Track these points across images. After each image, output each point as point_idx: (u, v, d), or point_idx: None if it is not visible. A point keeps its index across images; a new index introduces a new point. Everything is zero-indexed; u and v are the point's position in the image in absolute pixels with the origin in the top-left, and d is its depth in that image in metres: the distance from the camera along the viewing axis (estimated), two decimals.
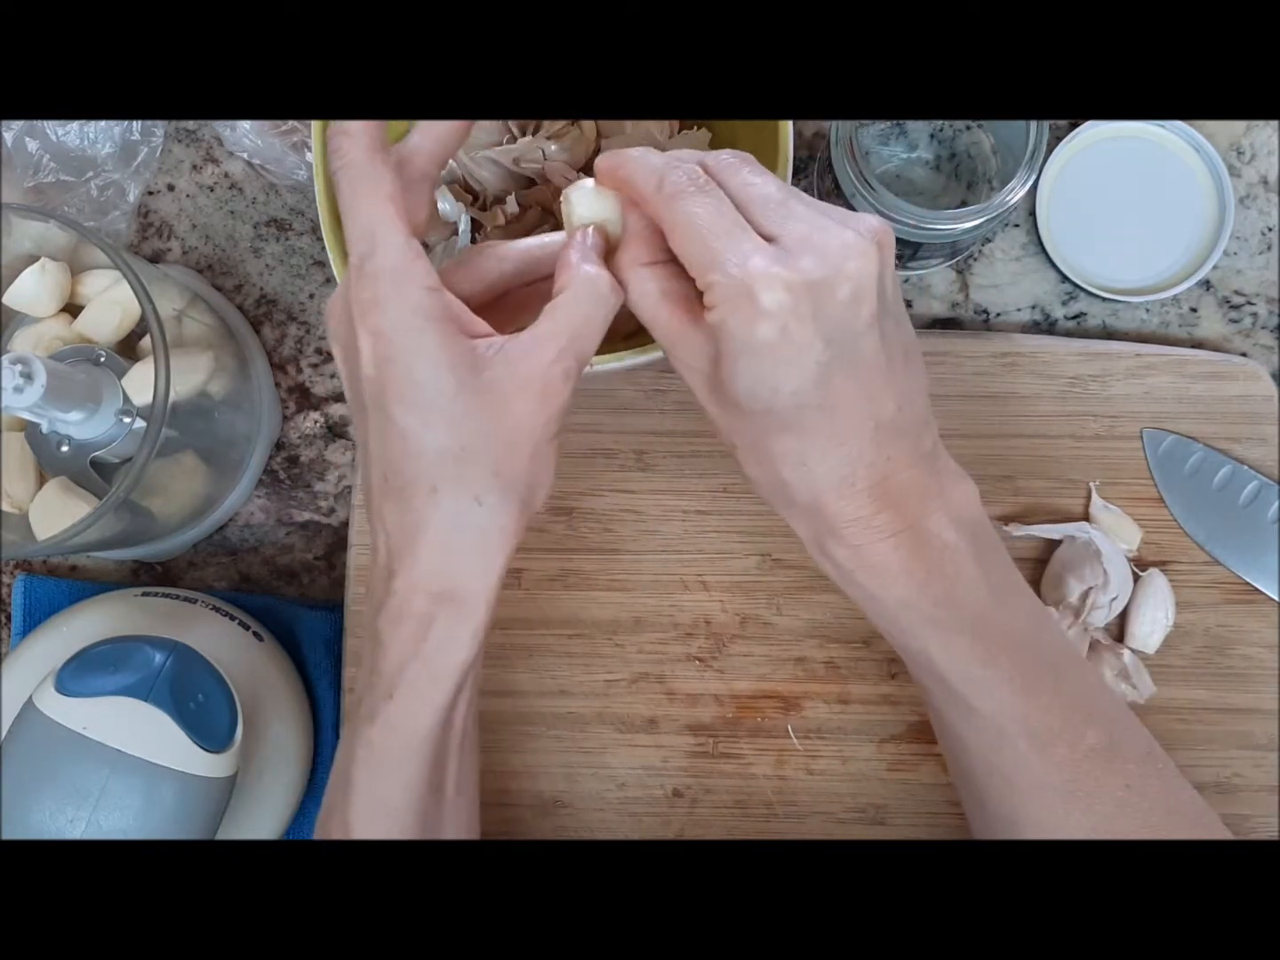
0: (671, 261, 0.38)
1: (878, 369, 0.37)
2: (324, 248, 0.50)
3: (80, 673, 0.45)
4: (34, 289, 0.53)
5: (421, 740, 0.39)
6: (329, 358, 0.59)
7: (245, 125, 0.57)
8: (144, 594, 0.54)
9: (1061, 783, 0.39)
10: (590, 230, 0.39)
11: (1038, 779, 0.40)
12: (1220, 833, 0.42)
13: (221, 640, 0.52)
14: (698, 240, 0.36)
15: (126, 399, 0.52)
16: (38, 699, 0.44)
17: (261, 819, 0.52)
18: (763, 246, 0.36)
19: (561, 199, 0.41)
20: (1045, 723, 0.39)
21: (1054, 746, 0.39)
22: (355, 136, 0.37)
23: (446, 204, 0.54)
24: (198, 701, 0.46)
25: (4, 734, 0.46)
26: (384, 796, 0.39)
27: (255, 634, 0.54)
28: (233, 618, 0.54)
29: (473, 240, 0.54)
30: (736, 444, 0.40)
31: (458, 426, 0.37)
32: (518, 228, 0.54)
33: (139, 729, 0.44)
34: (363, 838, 0.39)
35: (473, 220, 0.54)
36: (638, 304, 0.39)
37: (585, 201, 0.40)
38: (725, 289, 0.35)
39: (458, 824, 0.42)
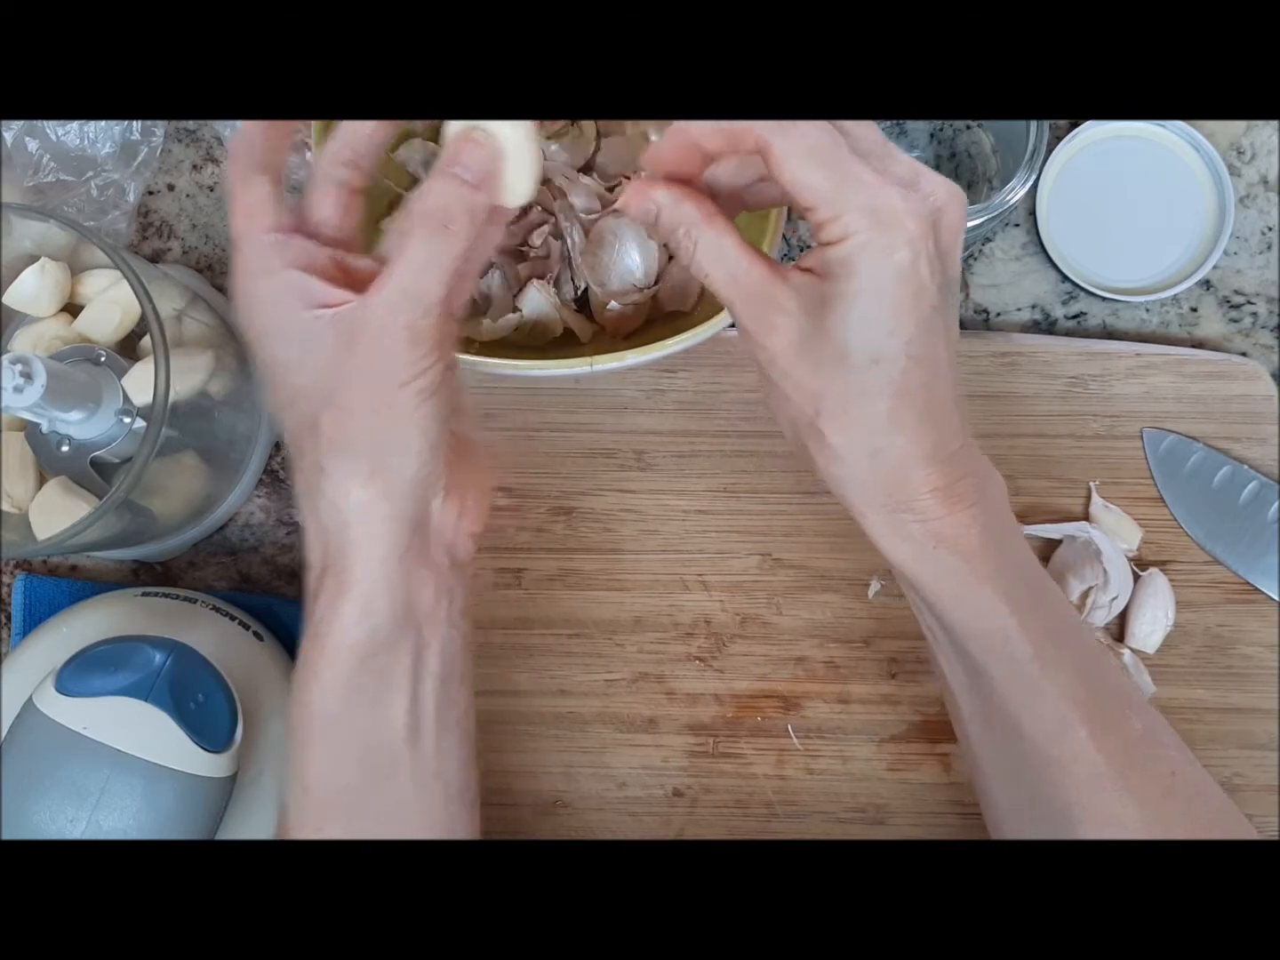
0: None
1: (955, 330, 0.37)
2: None
3: (80, 673, 0.45)
4: (34, 289, 0.53)
5: (329, 737, 0.39)
6: None
7: None
8: (144, 594, 0.54)
9: (1117, 771, 0.39)
10: (462, 143, 0.37)
11: (1096, 768, 0.39)
12: (1243, 822, 0.42)
13: (221, 640, 0.52)
14: (825, 166, 0.34)
15: (126, 399, 0.52)
16: (38, 699, 0.44)
17: (261, 819, 0.52)
18: (888, 179, 0.34)
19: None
20: (1102, 708, 0.39)
21: (1109, 734, 0.39)
22: (229, 160, 0.39)
23: None
24: (198, 701, 0.46)
25: (4, 734, 0.46)
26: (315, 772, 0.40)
27: (255, 634, 0.54)
28: (233, 618, 0.54)
29: None
30: (824, 405, 0.36)
31: (301, 399, 0.37)
32: (518, 228, 0.54)
33: (139, 729, 0.44)
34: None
35: None
36: (715, 259, 0.37)
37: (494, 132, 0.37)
38: (861, 217, 0.34)
39: (434, 788, 0.41)
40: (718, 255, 0.36)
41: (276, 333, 0.37)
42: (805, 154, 0.34)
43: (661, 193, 0.37)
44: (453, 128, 0.37)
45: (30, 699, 0.45)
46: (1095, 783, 0.39)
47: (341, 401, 0.36)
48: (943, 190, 0.35)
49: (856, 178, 0.34)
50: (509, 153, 0.37)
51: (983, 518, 0.38)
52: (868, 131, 0.36)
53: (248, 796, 0.51)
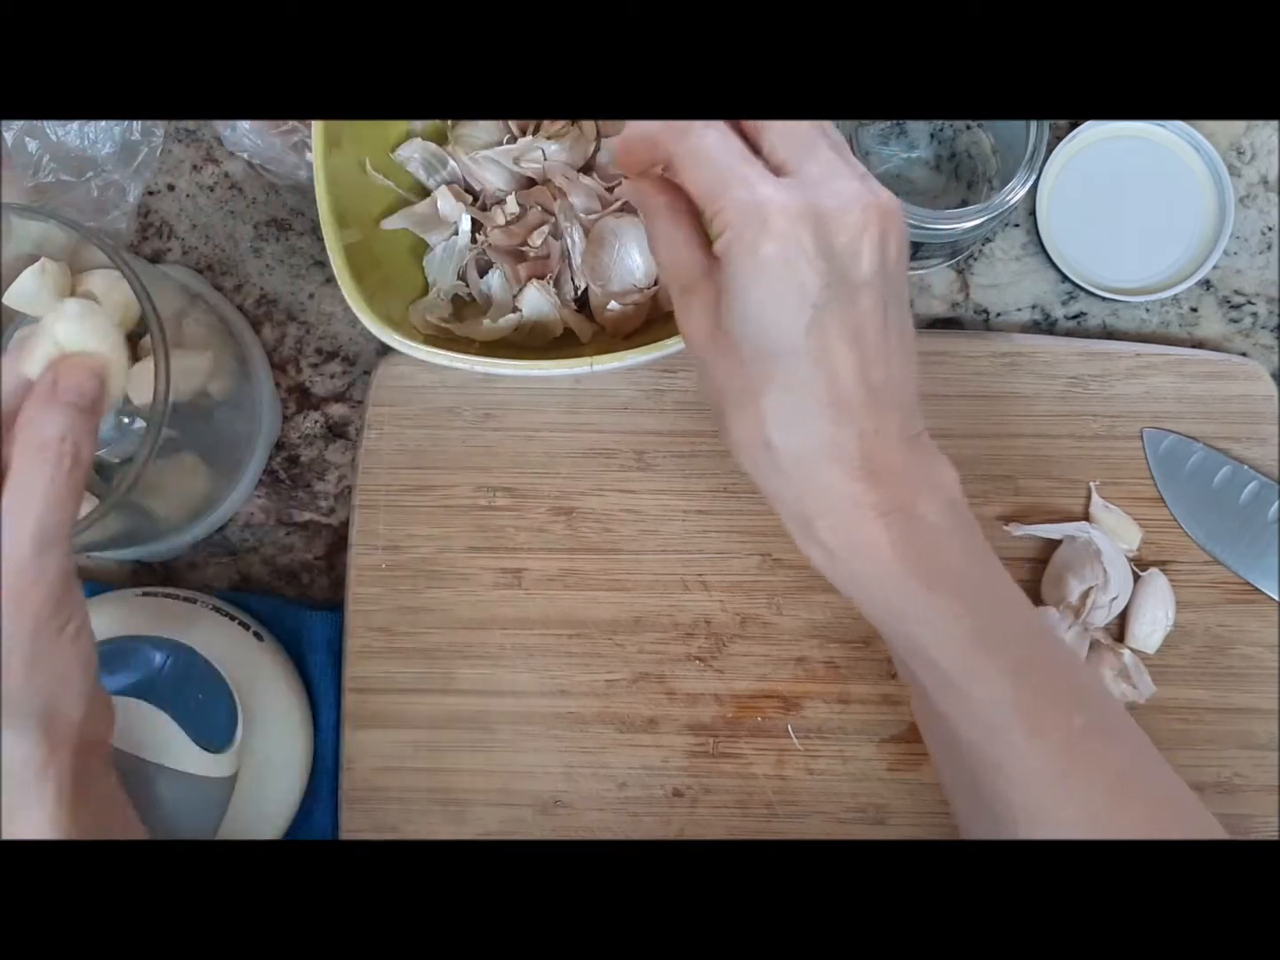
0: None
1: (872, 330, 0.37)
2: (324, 248, 0.50)
3: None
4: (34, 289, 0.52)
5: None
6: (329, 357, 0.59)
7: (245, 125, 0.57)
8: (144, 594, 0.54)
9: (1053, 771, 0.39)
10: (65, 368, 0.36)
11: (1029, 768, 0.39)
12: (1215, 829, 0.41)
13: (222, 640, 0.52)
14: (706, 167, 0.36)
15: (126, 399, 0.52)
16: None
17: (261, 819, 0.52)
18: (770, 177, 0.36)
19: (40, 327, 0.36)
20: (1035, 706, 0.39)
21: (1045, 733, 0.39)
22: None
23: (447, 204, 0.54)
24: (198, 701, 0.46)
25: None
26: None
27: (255, 634, 0.54)
28: (233, 618, 0.54)
29: (473, 240, 0.54)
30: (726, 399, 0.38)
31: None
32: (518, 228, 0.54)
33: (139, 729, 0.44)
34: None
35: (473, 220, 0.54)
36: (664, 245, 0.39)
37: (64, 329, 0.36)
38: (733, 213, 0.35)
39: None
40: (664, 241, 0.39)
41: None
42: (691, 154, 0.36)
43: (645, 184, 0.40)
44: (38, 353, 0.36)
45: None
46: (1030, 782, 0.39)
47: None
48: (846, 190, 0.36)
49: (739, 177, 0.36)
50: (110, 364, 0.37)
51: (901, 526, 0.37)
52: (794, 129, 0.37)
53: (248, 796, 0.51)
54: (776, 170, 0.36)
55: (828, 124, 0.38)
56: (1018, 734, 0.38)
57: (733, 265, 0.36)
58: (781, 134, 0.37)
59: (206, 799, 0.45)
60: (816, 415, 0.37)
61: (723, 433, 0.39)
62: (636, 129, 0.38)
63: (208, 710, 0.46)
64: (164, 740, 0.44)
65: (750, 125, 0.37)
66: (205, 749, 0.45)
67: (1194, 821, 0.41)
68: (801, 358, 0.36)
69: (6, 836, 0.36)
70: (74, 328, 0.36)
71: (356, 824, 0.54)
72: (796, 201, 0.35)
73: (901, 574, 0.38)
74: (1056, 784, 0.39)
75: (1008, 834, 0.40)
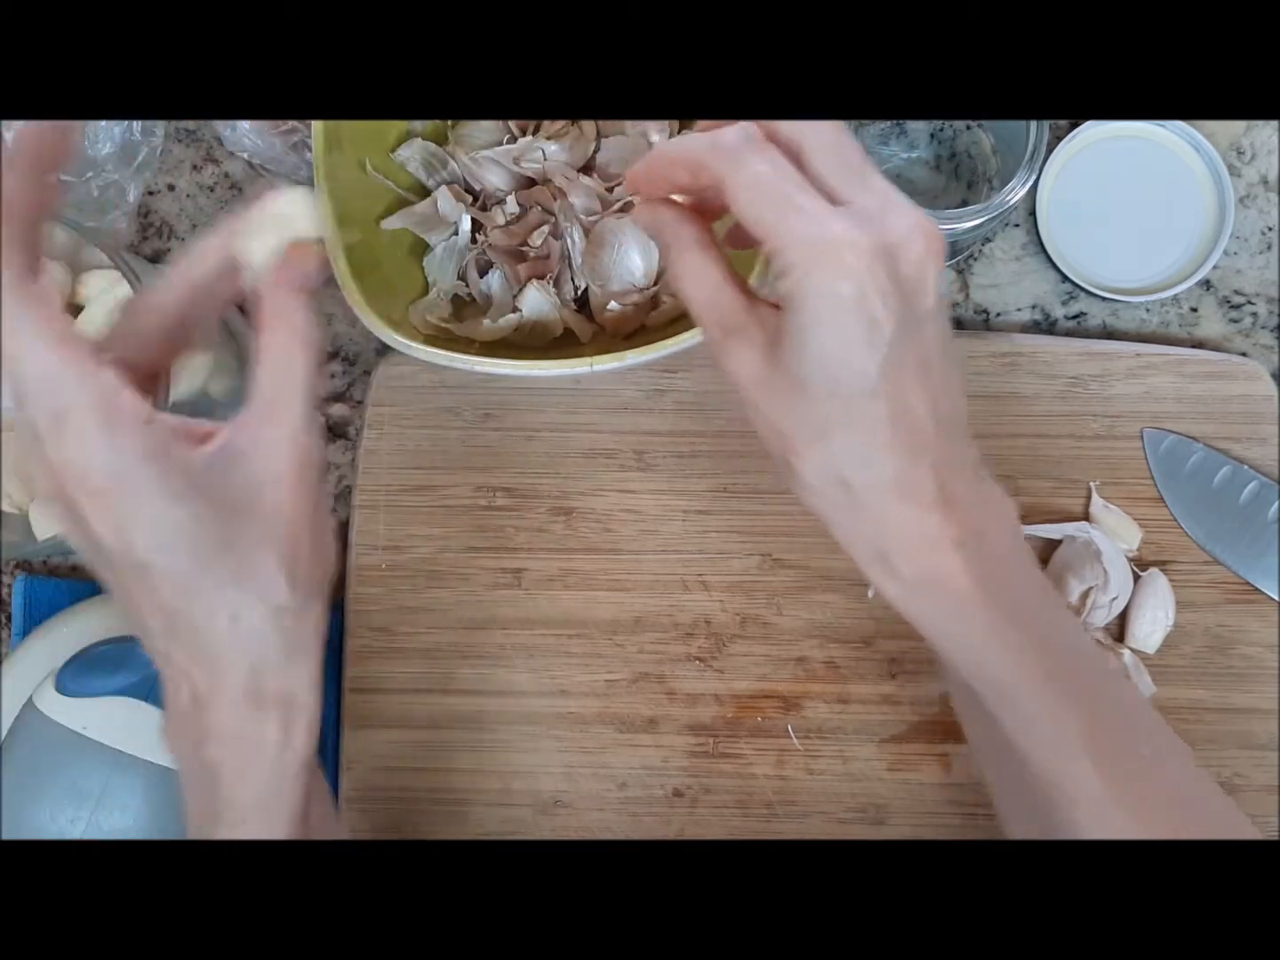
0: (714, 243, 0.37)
1: (937, 361, 0.36)
2: (323, 248, 0.50)
3: (80, 673, 0.45)
4: None
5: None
6: (329, 357, 0.59)
7: (245, 125, 0.57)
8: None
9: (1125, 801, 0.38)
10: (286, 257, 0.37)
11: (1100, 799, 0.38)
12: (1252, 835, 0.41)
13: None
14: (765, 198, 0.34)
15: None
16: (38, 699, 0.44)
17: None
18: (833, 210, 0.34)
19: (241, 228, 0.37)
20: (1106, 736, 0.38)
21: (1114, 763, 0.38)
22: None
23: (447, 204, 0.54)
24: None
25: (4, 734, 0.46)
26: None
27: None
28: None
29: (473, 240, 0.54)
30: (792, 440, 0.37)
31: (225, 550, 0.34)
32: (518, 228, 0.54)
33: (139, 729, 0.44)
34: None
35: (473, 220, 0.54)
36: (697, 282, 0.37)
37: (275, 222, 0.37)
38: (803, 250, 0.34)
39: None
40: (698, 280, 0.37)
41: (146, 503, 0.33)
42: (749, 187, 0.35)
43: (664, 211, 0.38)
44: (270, 240, 0.37)
45: (30, 699, 0.45)
46: (1099, 813, 0.38)
47: (275, 533, 0.35)
48: (905, 222, 0.35)
49: (799, 209, 0.34)
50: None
51: (976, 557, 0.37)
52: (842, 154, 0.35)
53: None
54: (828, 199, 0.35)
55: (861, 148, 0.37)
56: (1089, 764, 0.38)
57: (803, 305, 0.34)
58: (831, 159, 0.35)
59: None
60: (892, 451, 0.36)
61: (787, 473, 0.37)
62: (671, 150, 0.37)
63: None
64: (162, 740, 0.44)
65: (793, 146, 0.36)
66: None
67: (1241, 834, 0.41)
68: (877, 396, 0.35)
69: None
70: (307, 215, 0.37)
71: (356, 824, 0.54)
72: (868, 237, 0.34)
73: (980, 605, 0.37)
74: (1128, 815, 0.38)
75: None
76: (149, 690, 0.44)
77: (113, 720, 0.44)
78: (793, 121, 0.36)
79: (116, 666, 0.45)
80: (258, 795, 0.36)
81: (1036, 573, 0.40)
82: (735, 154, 0.35)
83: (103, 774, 0.43)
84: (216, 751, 0.36)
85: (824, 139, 0.36)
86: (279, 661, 0.36)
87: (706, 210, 0.39)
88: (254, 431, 0.36)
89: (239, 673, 0.35)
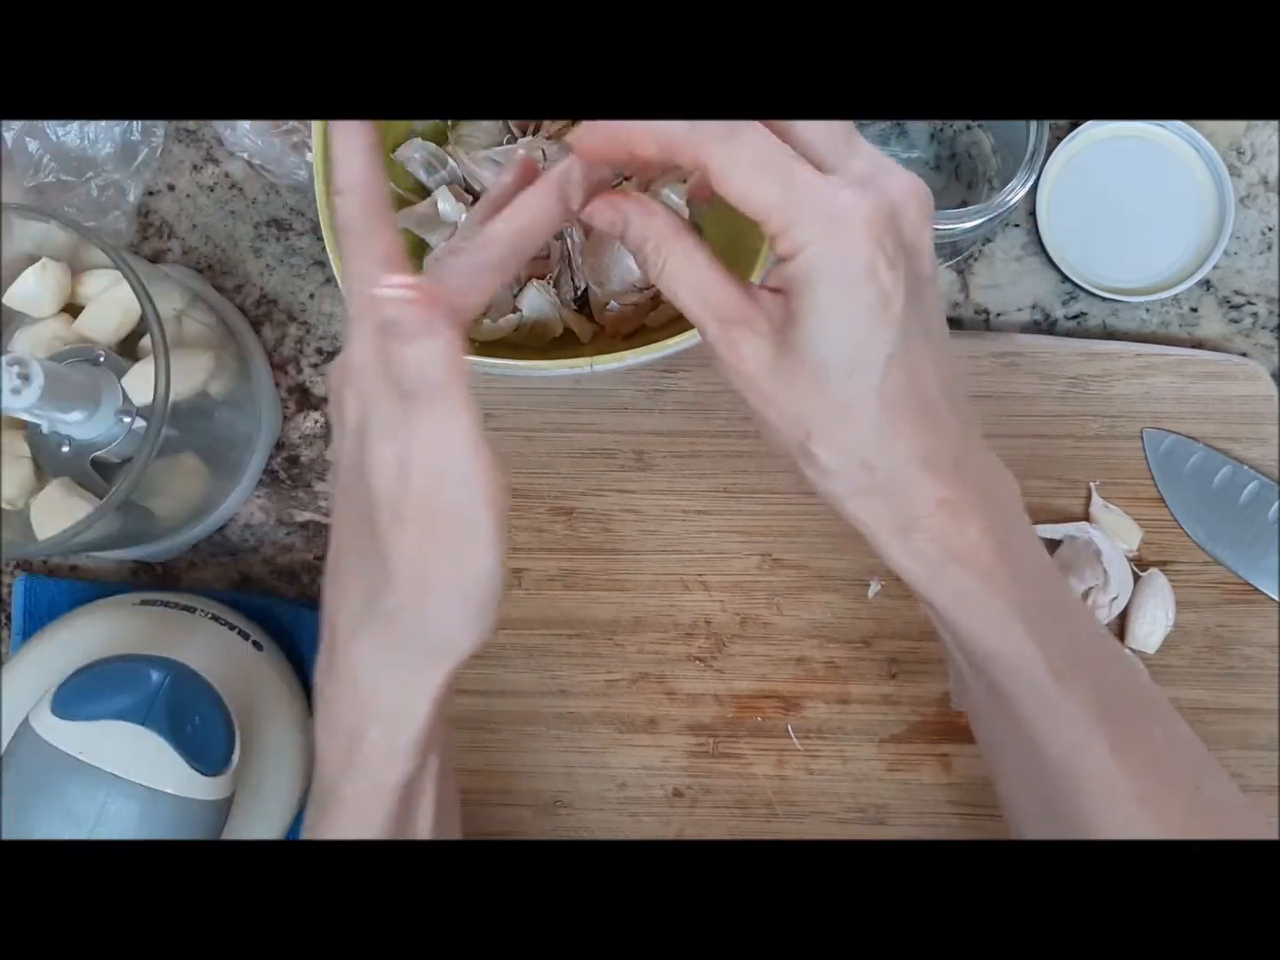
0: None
1: (936, 325, 0.35)
2: (324, 248, 0.50)
3: (76, 695, 0.44)
4: (34, 289, 0.53)
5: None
6: (329, 357, 0.59)
7: (245, 125, 0.57)
8: (142, 602, 0.54)
9: (1134, 789, 0.37)
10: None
11: (1116, 787, 0.37)
12: (1268, 829, 0.41)
13: (220, 652, 0.52)
14: (771, 176, 0.32)
15: (126, 399, 0.52)
16: (34, 721, 0.44)
17: (260, 825, 0.52)
18: (833, 180, 0.33)
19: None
20: (1123, 724, 0.37)
21: (1131, 750, 0.37)
22: (347, 194, 0.34)
23: (447, 204, 0.54)
24: (194, 724, 0.45)
25: (2, 749, 0.46)
26: None
27: (255, 643, 0.54)
28: (232, 626, 0.53)
29: None
30: (810, 427, 0.35)
31: (472, 562, 0.34)
32: None
33: (135, 753, 0.44)
34: None
35: None
36: (684, 278, 0.35)
37: None
38: (814, 226, 0.32)
39: None
40: (687, 274, 0.35)
41: (456, 483, 0.33)
42: (751, 164, 0.33)
43: (630, 205, 0.36)
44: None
45: (27, 720, 0.44)
46: (1114, 802, 0.37)
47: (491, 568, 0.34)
48: (901, 184, 0.33)
49: (806, 184, 0.32)
50: None
51: (995, 529, 0.36)
52: (817, 129, 0.34)
53: (247, 804, 0.51)
54: (819, 169, 0.33)
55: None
56: (1103, 749, 0.37)
57: (819, 283, 0.33)
58: (816, 127, 0.34)
59: (203, 822, 0.45)
60: (912, 424, 0.35)
61: (804, 460, 0.36)
62: (638, 127, 0.34)
63: (204, 733, 0.45)
64: (160, 764, 0.44)
65: (774, 124, 0.34)
66: (201, 773, 0.44)
67: (1262, 834, 0.40)
68: (894, 368, 0.34)
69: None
70: None
71: None
72: (870, 204, 0.32)
73: (1001, 581, 0.36)
74: (1141, 804, 0.37)
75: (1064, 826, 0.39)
76: (145, 713, 0.44)
77: (109, 744, 0.43)
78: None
79: (114, 689, 0.45)
80: (340, 795, 0.36)
81: (1043, 550, 0.39)
82: (724, 132, 0.33)
83: (99, 798, 0.43)
84: (320, 729, 0.36)
85: (792, 124, 0.34)
86: (404, 667, 0.35)
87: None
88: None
89: (365, 664, 0.35)
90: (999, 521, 0.36)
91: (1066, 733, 0.38)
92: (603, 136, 0.35)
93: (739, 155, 0.33)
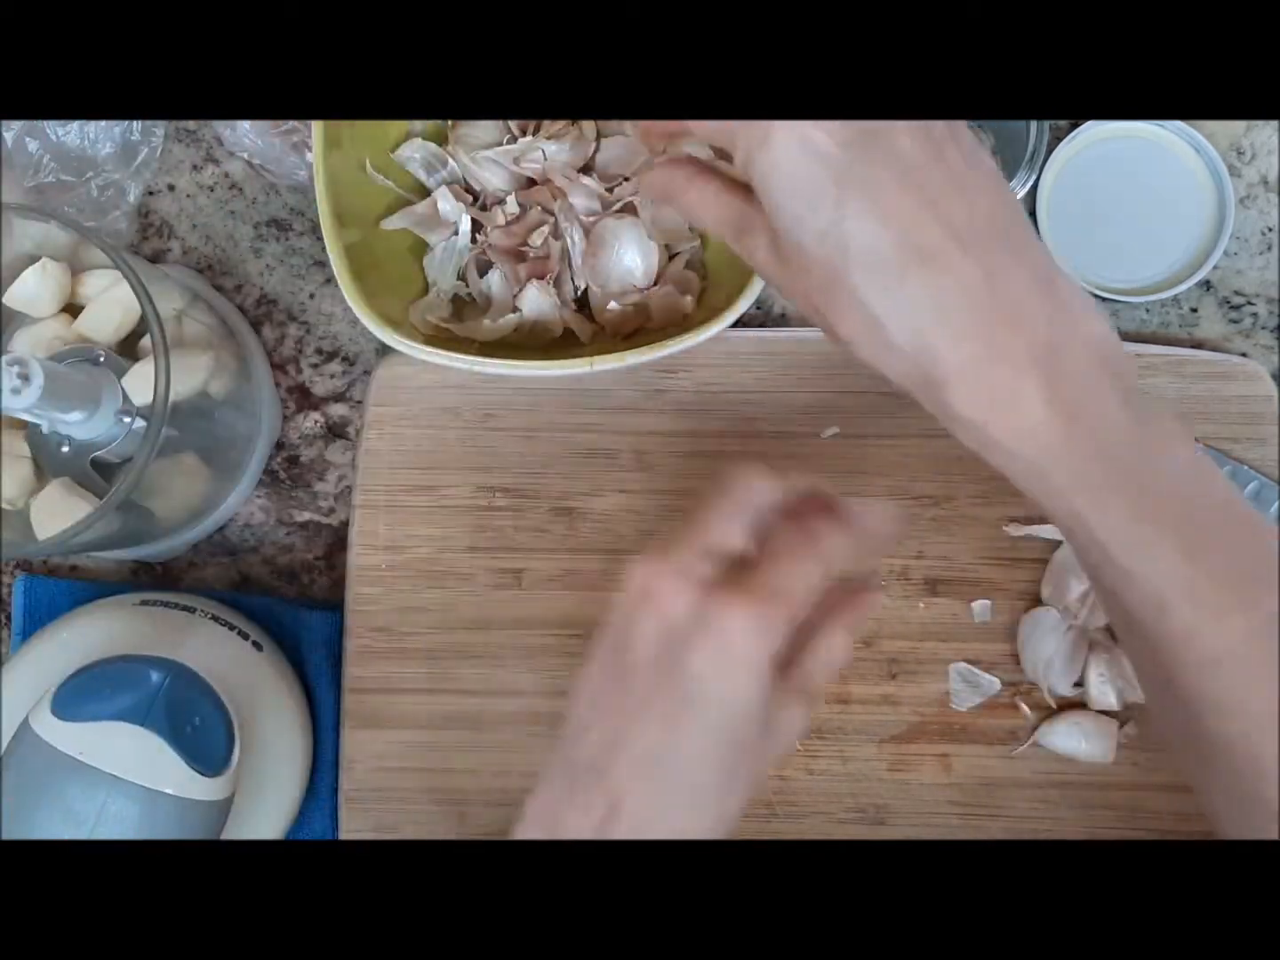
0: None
1: (925, 168, 0.35)
2: (324, 248, 0.50)
3: (76, 696, 0.44)
4: (34, 289, 0.53)
5: None
6: (329, 357, 0.59)
7: (245, 125, 0.57)
8: (142, 602, 0.54)
9: (1240, 655, 0.35)
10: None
11: (1211, 652, 0.35)
12: None
13: (220, 652, 0.52)
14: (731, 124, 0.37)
15: (126, 399, 0.52)
16: (34, 721, 0.44)
17: (261, 825, 0.52)
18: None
19: None
20: (1213, 587, 0.35)
21: (1228, 615, 0.35)
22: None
23: (447, 204, 0.54)
24: (194, 725, 0.45)
25: (2, 749, 0.46)
26: None
27: (255, 643, 0.54)
28: (232, 627, 0.53)
29: (473, 240, 0.54)
30: (821, 305, 0.36)
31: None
32: (518, 228, 0.54)
33: (135, 754, 0.44)
34: None
35: (473, 220, 0.54)
36: (703, 205, 0.40)
37: None
38: (749, 134, 0.36)
39: None
40: (705, 197, 0.40)
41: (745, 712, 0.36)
42: (717, 128, 0.37)
43: (669, 166, 0.41)
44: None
45: (26, 720, 0.44)
46: (1213, 668, 0.35)
47: None
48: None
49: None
50: None
51: (1049, 374, 0.34)
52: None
53: (247, 805, 0.51)
54: None
55: None
56: (1190, 615, 0.35)
57: (760, 179, 0.36)
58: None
59: (203, 822, 0.45)
60: (903, 273, 0.34)
61: (832, 335, 0.37)
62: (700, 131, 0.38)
63: (204, 734, 0.45)
64: (160, 765, 0.44)
65: None
66: (201, 773, 0.44)
67: None
68: (855, 221, 0.34)
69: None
70: None
71: (356, 824, 0.54)
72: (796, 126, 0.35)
73: (1051, 442, 0.34)
74: (1244, 672, 0.35)
75: (1199, 732, 0.37)
76: (145, 714, 0.44)
77: (109, 745, 0.43)
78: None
79: (114, 689, 0.45)
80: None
81: (1143, 400, 0.35)
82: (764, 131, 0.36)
83: (99, 798, 0.43)
84: (566, 809, 0.38)
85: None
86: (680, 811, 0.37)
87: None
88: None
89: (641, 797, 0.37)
90: (1057, 367, 0.34)
91: (1147, 595, 0.35)
92: (666, 127, 0.42)
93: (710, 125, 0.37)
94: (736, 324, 0.50)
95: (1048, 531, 0.54)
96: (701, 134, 0.38)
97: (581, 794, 0.37)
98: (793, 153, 0.35)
